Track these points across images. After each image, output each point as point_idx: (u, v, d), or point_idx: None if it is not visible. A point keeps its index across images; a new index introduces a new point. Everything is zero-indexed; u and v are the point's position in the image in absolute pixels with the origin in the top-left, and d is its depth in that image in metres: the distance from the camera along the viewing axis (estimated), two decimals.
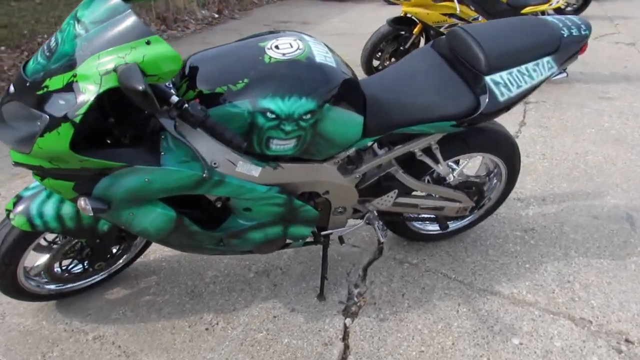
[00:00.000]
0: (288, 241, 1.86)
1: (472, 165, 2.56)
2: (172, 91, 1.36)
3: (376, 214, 2.02)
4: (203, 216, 1.66)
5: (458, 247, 2.38)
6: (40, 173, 1.41)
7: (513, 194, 2.81)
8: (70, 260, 1.84)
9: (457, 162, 2.25)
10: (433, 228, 2.30)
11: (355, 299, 2.07)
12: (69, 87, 1.27)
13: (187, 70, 1.52)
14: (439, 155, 1.89)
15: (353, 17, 7.51)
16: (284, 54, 1.52)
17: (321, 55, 1.56)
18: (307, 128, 1.50)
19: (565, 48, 1.79)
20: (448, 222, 2.26)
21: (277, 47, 1.55)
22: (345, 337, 1.88)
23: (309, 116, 1.47)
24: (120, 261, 2.03)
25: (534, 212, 2.66)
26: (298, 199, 1.67)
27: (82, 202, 1.43)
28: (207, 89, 1.46)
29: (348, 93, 1.60)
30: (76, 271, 1.88)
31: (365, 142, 1.73)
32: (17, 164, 1.38)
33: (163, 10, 6.50)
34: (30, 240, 1.64)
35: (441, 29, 4.28)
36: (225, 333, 1.88)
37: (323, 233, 1.99)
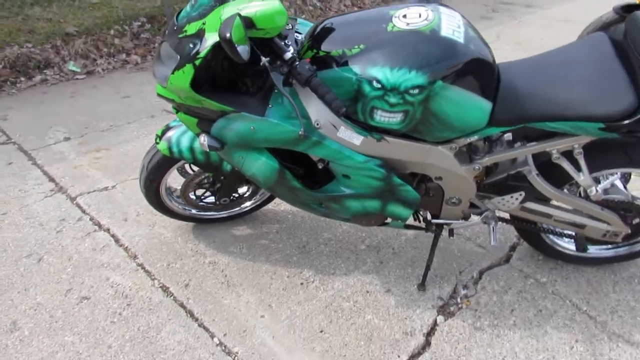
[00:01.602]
0: (388, 220, 1.81)
1: None
2: (290, 49, 1.41)
3: (496, 215, 1.82)
4: (305, 175, 1.71)
5: (605, 278, 2.02)
6: (176, 106, 1.63)
7: None
8: (203, 190, 2.09)
9: (628, 178, 1.89)
10: (569, 246, 1.98)
11: (459, 299, 1.93)
12: (199, 33, 1.42)
13: (315, 32, 1.56)
14: (582, 162, 1.61)
15: (588, 3, 6.59)
16: (408, 24, 1.45)
17: (450, 29, 1.45)
18: (415, 104, 1.42)
19: None
20: (594, 246, 1.92)
21: (404, 16, 1.49)
22: (430, 333, 1.78)
23: (416, 91, 1.39)
24: (248, 203, 2.23)
25: None
26: (398, 177, 1.60)
27: (202, 138, 1.61)
28: (323, 51, 1.48)
29: (474, 73, 1.46)
30: (207, 201, 2.12)
31: (490, 132, 1.57)
32: (159, 95, 1.61)
33: None
34: (171, 164, 1.91)
35: None
36: (316, 292, 1.94)
37: (434, 221, 1.88)
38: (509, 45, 4.79)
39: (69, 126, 3.18)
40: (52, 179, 2.61)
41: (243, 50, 1.25)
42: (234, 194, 2.12)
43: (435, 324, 1.82)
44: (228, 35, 1.20)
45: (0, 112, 3.34)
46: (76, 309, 1.84)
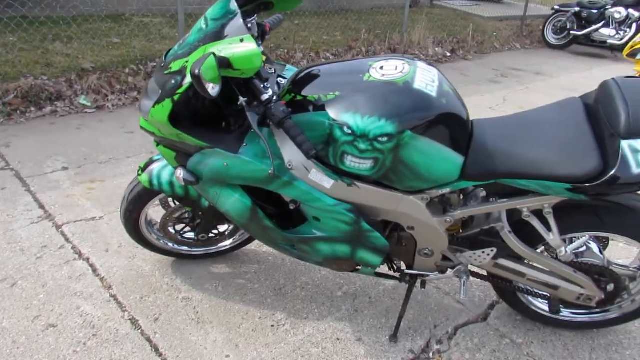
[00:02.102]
0: (359, 267, 1.80)
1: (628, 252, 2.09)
2: (269, 91, 1.46)
3: (469, 270, 1.81)
4: (279, 215, 1.73)
5: (583, 344, 1.97)
6: (157, 140, 1.68)
7: None
8: (183, 225, 2.11)
9: (606, 243, 1.87)
10: (543, 307, 1.94)
11: (431, 354, 1.89)
12: (181, 70, 1.49)
13: (297, 77, 1.62)
14: (551, 222, 1.61)
15: (598, 75, 6.72)
16: (383, 75, 1.51)
17: (423, 82, 1.50)
18: (385, 151, 1.45)
19: None
20: (568, 309, 1.89)
21: (382, 67, 1.55)
22: None
23: (385, 139, 1.43)
24: (228, 242, 2.24)
25: None
26: (367, 223, 1.62)
27: (178, 172, 1.65)
28: (301, 95, 1.54)
29: (444, 126, 1.50)
30: (186, 236, 2.14)
31: (462, 185, 1.59)
32: (142, 128, 1.67)
33: (396, 42, 6.82)
34: (151, 197, 1.94)
35: None
36: (286, 336, 1.91)
37: (408, 272, 1.87)
38: (513, 108, 4.87)
39: (69, 156, 3.25)
40: (42, 206, 2.65)
41: (215, 88, 1.30)
42: (213, 231, 2.14)
43: None
44: (197, 71, 1.26)
45: (5, 139, 3.44)
46: (41, 336, 1.83)
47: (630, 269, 1.90)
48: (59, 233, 2.43)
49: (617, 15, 7.50)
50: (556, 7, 8.28)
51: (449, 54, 7.21)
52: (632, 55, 3.76)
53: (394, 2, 8.72)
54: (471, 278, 1.88)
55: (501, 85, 5.86)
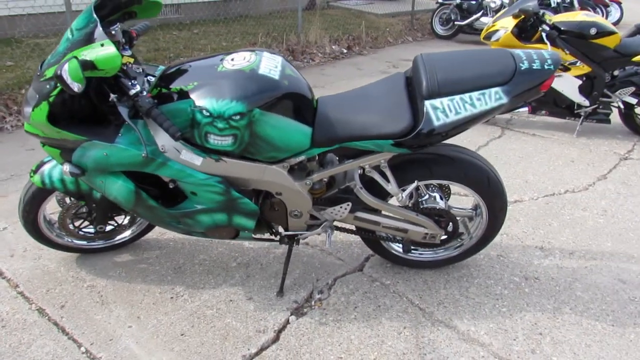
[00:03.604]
0: (240, 233, 2.08)
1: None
2: (137, 87, 1.71)
3: (334, 224, 2.14)
4: (160, 195, 1.98)
5: (439, 278, 2.36)
6: (42, 141, 1.87)
7: (536, 242, 2.66)
8: (81, 220, 2.29)
9: (448, 191, 2.26)
10: (399, 249, 2.32)
11: (313, 302, 2.20)
12: (53, 77, 1.70)
13: (163, 73, 1.88)
14: (388, 174, 1.97)
15: None
16: (233, 65, 1.80)
17: (267, 68, 1.80)
18: (240, 128, 1.73)
19: (519, 81, 1.76)
20: (420, 250, 2.28)
21: (232, 59, 1.84)
22: (281, 330, 2.03)
23: (238, 117, 1.71)
24: (128, 233, 2.44)
25: (550, 263, 2.49)
26: (236, 191, 1.90)
27: (65, 167, 1.85)
28: (165, 88, 1.80)
29: (288, 103, 1.80)
30: (86, 231, 2.32)
31: (314, 152, 1.91)
32: (26, 132, 1.85)
33: (294, 43, 7.17)
34: (44, 196, 2.12)
35: None
36: (184, 304, 2.16)
37: (285, 233, 2.17)
38: None
39: None
40: None
41: (79, 86, 1.53)
42: (110, 222, 2.33)
43: (287, 322, 2.07)
44: (59, 72, 1.49)
45: None
46: None
47: (467, 210, 2.32)
48: None
49: (492, 5, 8.29)
50: (440, 0, 8.98)
51: (345, 51, 7.67)
52: (487, 38, 4.31)
53: (289, 6, 9.11)
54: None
55: None
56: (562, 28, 3.95)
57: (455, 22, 8.73)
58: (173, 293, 2.22)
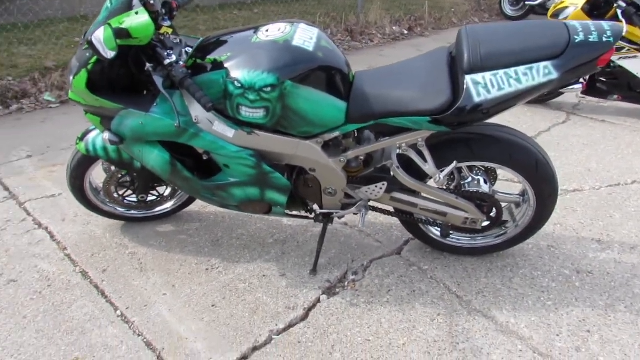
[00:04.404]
0: (273, 209, 2.06)
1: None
2: (172, 57, 1.71)
3: (369, 205, 2.08)
4: (195, 166, 1.99)
5: (481, 267, 2.24)
6: (84, 108, 1.93)
7: (594, 234, 2.47)
8: (124, 189, 2.36)
9: (494, 175, 2.14)
10: (437, 232, 2.22)
11: (346, 283, 2.16)
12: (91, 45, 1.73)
13: (199, 45, 1.88)
14: (426, 153, 1.88)
15: None
16: (267, 36, 1.76)
17: (301, 40, 1.75)
18: (272, 100, 1.70)
19: (573, 54, 1.61)
20: (458, 234, 2.18)
21: (267, 30, 1.80)
22: (310, 309, 2.01)
23: (269, 89, 1.68)
24: (169, 204, 2.50)
25: (607, 257, 2.31)
26: (268, 165, 1.88)
27: (105, 134, 1.90)
28: (200, 59, 1.79)
29: (322, 76, 1.75)
30: (129, 200, 2.39)
31: (349, 128, 1.85)
32: (70, 99, 1.92)
33: (353, 24, 7.05)
34: (90, 163, 2.19)
35: None
36: (218, 276, 2.18)
37: (320, 211, 2.13)
38: None
39: (33, 146, 3.49)
40: (7, 189, 2.89)
41: (111, 53, 1.56)
42: (152, 193, 2.39)
43: (317, 301, 2.05)
44: (89, 38, 1.52)
45: None
46: (2, 289, 2.09)
47: (514, 195, 2.18)
48: (21, 209, 2.68)
49: None
50: None
51: (406, 32, 7.45)
52: (555, 16, 4.02)
53: None
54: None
55: None
56: None
57: (526, 2, 8.25)
58: (209, 265, 2.25)
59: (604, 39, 1.61)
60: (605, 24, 1.65)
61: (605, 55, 1.62)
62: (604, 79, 4.02)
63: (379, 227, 2.53)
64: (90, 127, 2.16)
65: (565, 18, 3.91)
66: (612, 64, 3.89)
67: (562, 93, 4.23)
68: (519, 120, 4.02)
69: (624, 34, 3.64)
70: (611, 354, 1.79)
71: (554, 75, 1.62)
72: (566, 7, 3.96)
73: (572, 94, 4.44)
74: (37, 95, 4.46)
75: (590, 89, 4.09)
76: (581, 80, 1.73)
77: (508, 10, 8.67)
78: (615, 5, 3.69)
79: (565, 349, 1.81)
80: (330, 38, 1.90)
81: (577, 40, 1.62)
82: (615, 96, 4.00)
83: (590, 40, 1.61)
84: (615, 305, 2.02)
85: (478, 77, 1.66)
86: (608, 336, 1.87)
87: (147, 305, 2.01)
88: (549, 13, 4.11)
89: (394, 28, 7.41)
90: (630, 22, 3.65)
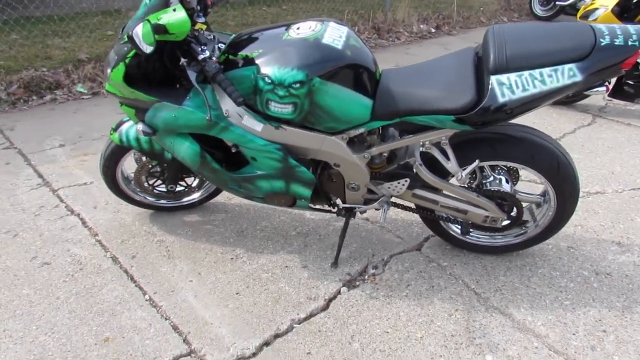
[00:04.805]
0: (297, 201, 2.12)
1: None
2: (206, 52, 1.78)
3: (391, 201, 2.13)
4: (224, 159, 2.06)
5: (500, 265, 2.27)
6: (120, 100, 2.01)
7: (614, 236, 2.48)
8: (154, 179, 2.45)
9: (516, 175, 2.16)
10: (457, 229, 2.25)
11: (366, 276, 2.21)
12: (131, 39, 1.81)
13: (232, 41, 1.94)
14: (449, 152, 1.91)
15: None
16: (298, 34, 1.82)
17: (331, 38, 1.81)
18: (301, 97, 1.76)
19: (598, 57, 1.63)
20: (478, 232, 2.21)
21: (298, 28, 1.86)
22: (331, 300, 2.07)
23: (298, 85, 1.74)
24: (197, 195, 2.58)
25: (626, 259, 2.32)
26: (294, 159, 1.94)
27: (139, 126, 1.99)
28: (232, 55, 1.86)
29: (350, 74, 1.80)
30: (159, 189, 2.48)
31: (374, 125, 1.89)
32: (107, 91, 2.00)
33: (380, 21, 7.07)
34: (122, 153, 2.28)
35: None
36: (243, 265, 2.25)
37: (343, 205, 2.19)
38: None
39: (65, 135, 3.62)
40: (40, 176, 3.01)
41: (149, 48, 1.63)
42: (181, 183, 2.47)
43: (338, 293, 2.10)
44: (130, 33, 1.59)
45: (10, 124, 3.81)
46: (37, 271, 2.19)
47: (535, 195, 2.20)
48: (54, 196, 2.80)
49: None
50: None
51: (433, 30, 7.44)
52: (584, 17, 4.00)
53: None
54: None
55: None
56: None
57: (557, 2, 8.15)
58: (233, 254, 2.32)
59: (630, 43, 1.62)
60: (632, 28, 1.67)
61: (630, 59, 1.63)
62: (631, 82, 3.98)
63: (400, 224, 2.57)
64: (124, 119, 2.25)
65: (595, 19, 3.88)
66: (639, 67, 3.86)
67: (588, 95, 4.21)
68: (544, 121, 4.01)
69: None
70: (625, 354, 1.81)
71: (579, 77, 1.64)
72: (596, 9, 3.93)
73: (599, 96, 4.40)
74: (70, 87, 4.60)
75: (618, 92, 4.05)
76: (606, 83, 1.74)
77: (538, 10, 8.57)
78: None
79: (581, 348, 1.84)
80: (357, 36, 1.94)
81: (602, 44, 1.64)
82: None
83: (616, 43, 1.63)
84: (632, 307, 2.03)
85: (503, 77, 1.69)
86: (623, 336, 1.89)
87: (174, 290, 2.09)
88: (579, 14, 4.08)
89: (421, 26, 7.40)
90: None
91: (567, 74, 1.65)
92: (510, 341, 1.87)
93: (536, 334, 1.90)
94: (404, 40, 7.02)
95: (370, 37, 6.85)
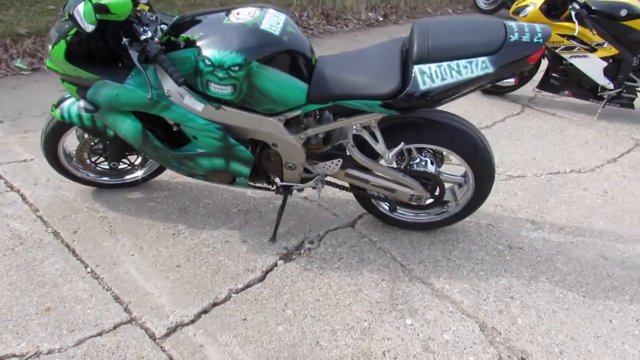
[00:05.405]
0: (237, 179, 2.24)
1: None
2: (148, 33, 1.85)
3: (325, 180, 2.27)
4: (166, 137, 2.14)
5: (425, 240, 2.47)
6: (60, 77, 2.05)
7: (529, 215, 2.73)
8: (97, 156, 2.49)
9: (441, 157, 2.35)
10: (386, 206, 2.44)
11: (302, 251, 2.35)
12: (72, 17, 1.86)
13: (174, 23, 2.01)
14: (377, 134, 2.08)
15: None
16: (238, 19, 1.92)
17: (269, 24, 1.91)
18: (239, 79, 1.86)
19: (507, 52, 1.82)
20: (404, 209, 2.41)
21: (238, 13, 1.95)
22: (268, 272, 2.20)
23: (236, 68, 1.84)
24: (140, 172, 2.63)
25: (537, 235, 2.57)
26: (233, 139, 2.05)
27: (80, 102, 2.03)
28: (174, 37, 1.94)
29: (287, 59, 1.92)
30: (101, 166, 2.53)
31: (309, 108, 2.02)
32: (48, 68, 2.03)
33: (329, 8, 7.18)
34: (64, 129, 2.31)
35: (557, 50, 4.09)
36: (184, 240, 2.35)
37: (280, 184, 2.32)
38: None
39: (4, 112, 3.55)
40: None
41: (91, 27, 1.69)
42: (124, 161, 2.53)
43: (275, 265, 2.24)
44: (71, 11, 1.65)
45: None
46: None
47: (457, 177, 2.41)
48: None
49: None
50: None
51: (381, 19, 7.63)
52: (516, 13, 4.26)
53: None
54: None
55: None
56: (592, 7, 3.88)
57: None
58: (175, 230, 2.41)
59: (535, 40, 1.82)
60: (538, 26, 1.87)
61: (535, 54, 1.84)
62: (557, 76, 4.30)
63: (337, 202, 2.73)
64: (66, 95, 2.28)
65: (525, 16, 4.14)
66: (564, 62, 4.17)
67: (520, 87, 4.52)
68: (477, 110, 4.27)
69: (575, 34, 3.91)
70: (527, 316, 2.05)
71: (490, 69, 1.83)
72: (527, 6, 4.19)
73: (529, 87, 4.71)
74: (7, 62, 4.47)
75: (545, 84, 4.36)
76: (515, 74, 1.94)
77: (482, 3, 8.92)
78: (570, 6, 3.94)
79: (490, 312, 2.06)
80: (304, 22, 2.06)
81: (512, 39, 1.83)
82: (567, 92, 4.29)
83: (523, 40, 1.83)
84: (538, 276, 2.28)
85: (425, 67, 1.85)
86: (528, 302, 2.13)
87: (115, 263, 2.17)
88: (511, 10, 4.34)
89: (369, 14, 7.57)
90: (582, 23, 3.91)
91: (480, 66, 1.83)
92: (428, 307, 2.07)
93: (452, 300, 2.11)
94: (352, 27, 7.17)
95: (319, 23, 6.94)
